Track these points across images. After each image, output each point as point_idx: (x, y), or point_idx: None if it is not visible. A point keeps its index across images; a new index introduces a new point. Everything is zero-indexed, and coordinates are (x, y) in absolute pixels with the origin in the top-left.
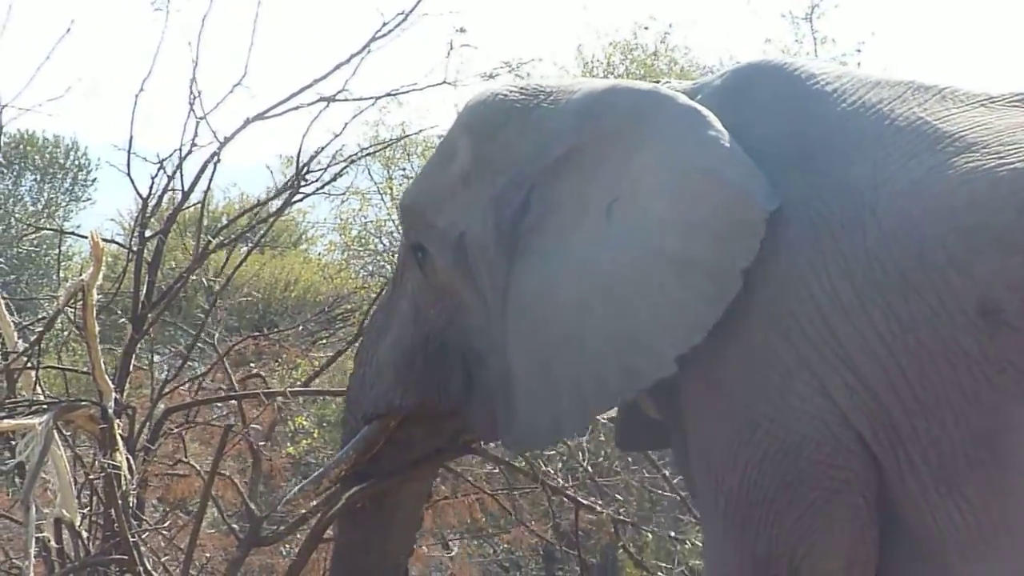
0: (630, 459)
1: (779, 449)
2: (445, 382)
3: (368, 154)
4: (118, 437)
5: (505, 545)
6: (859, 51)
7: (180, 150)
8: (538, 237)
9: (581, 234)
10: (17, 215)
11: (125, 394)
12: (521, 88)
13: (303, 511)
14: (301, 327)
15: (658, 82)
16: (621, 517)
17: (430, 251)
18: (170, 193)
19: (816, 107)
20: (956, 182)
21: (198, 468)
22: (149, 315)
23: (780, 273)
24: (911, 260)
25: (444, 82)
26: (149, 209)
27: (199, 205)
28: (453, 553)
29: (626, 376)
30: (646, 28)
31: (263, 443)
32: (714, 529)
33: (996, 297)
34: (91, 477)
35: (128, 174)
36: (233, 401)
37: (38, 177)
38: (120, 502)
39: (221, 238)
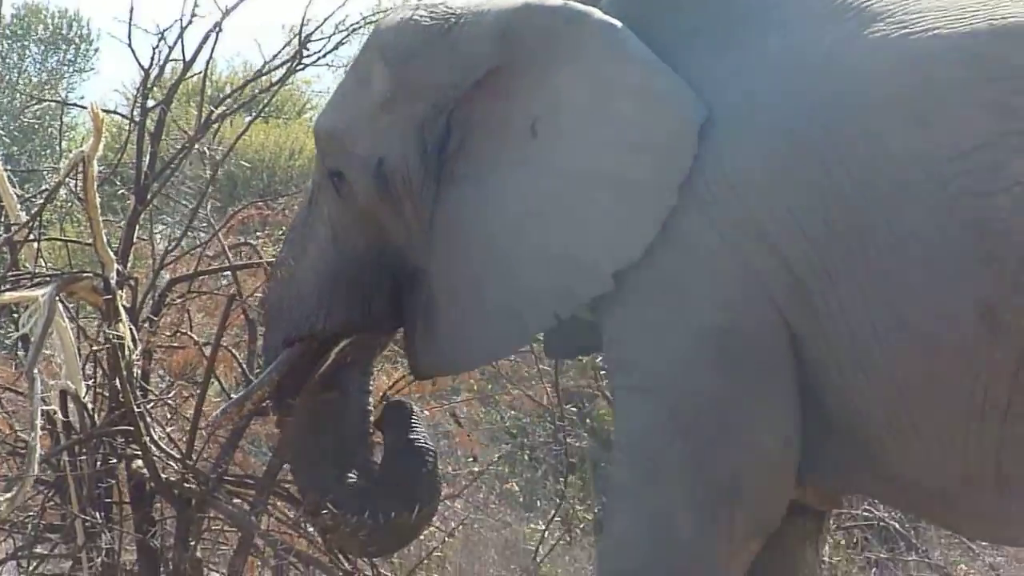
0: None
1: (712, 325)
2: (368, 305)
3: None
4: (121, 308)
5: (511, 412)
6: None
7: (181, 20)
8: (463, 162)
9: (508, 156)
10: (21, 86)
11: (129, 265)
12: (432, 10)
13: None
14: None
15: None
16: None
17: (348, 177)
18: (173, 63)
19: None
20: (864, 54)
21: (196, 340)
22: (152, 186)
23: (701, 161)
24: (822, 135)
25: None
26: (151, 80)
27: (201, 75)
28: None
29: (564, 295)
30: None
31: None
32: (629, 402)
33: (902, 169)
34: (95, 349)
35: (129, 45)
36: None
37: (42, 48)
38: (125, 373)
39: (224, 108)
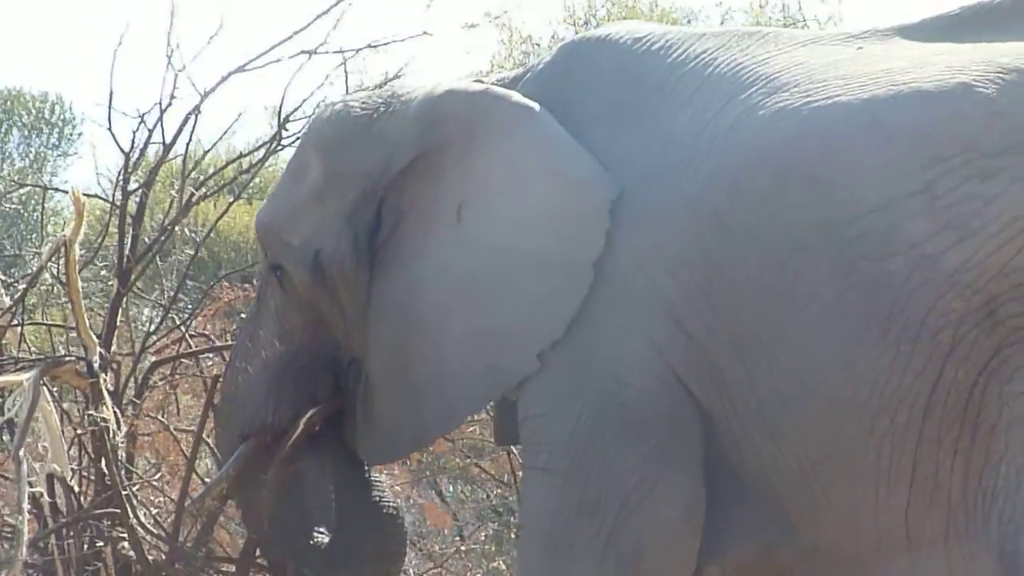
0: None
1: (616, 400)
2: (314, 399)
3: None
4: (105, 391)
5: (497, 490)
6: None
7: (160, 104)
8: (393, 247)
9: (434, 238)
10: (5, 172)
11: (112, 348)
12: (362, 100)
13: None
14: None
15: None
16: None
17: (288, 269)
18: (154, 146)
19: (641, 69)
20: (767, 123)
21: (171, 428)
22: (135, 268)
23: (608, 235)
24: (724, 202)
25: (424, 33)
26: (132, 163)
27: (182, 157)
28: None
29: (492, 375)
30: None
31: None
32: (536, 483)
33: (803, 236)
34: (80, 432)
35: (110, 129)
36: (217, 353)
37: (25, 133)
38: (110, 456)
39: (205, 190)
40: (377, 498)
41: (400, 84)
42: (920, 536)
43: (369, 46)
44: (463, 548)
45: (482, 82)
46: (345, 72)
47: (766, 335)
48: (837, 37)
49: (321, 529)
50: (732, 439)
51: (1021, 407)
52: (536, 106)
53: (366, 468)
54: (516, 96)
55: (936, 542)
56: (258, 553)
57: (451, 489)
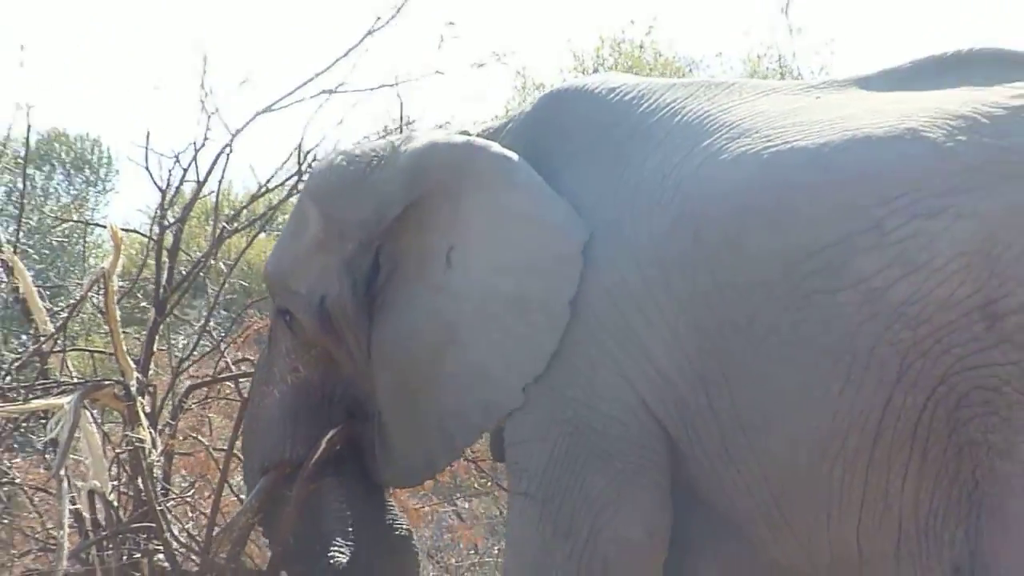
0: None
1: (588, 427)
2: (327, 430)
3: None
4: (142, 413)
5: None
6: (831, 43)
7: (194, 144)
8: (390, 292)
9: (426, 283)
10: (48, 208)
11: (150, 373)
12: (356, 155)
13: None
14: None
15: (635, 71)
16: None
17: (295, 314)
18: (189, 183)
19: (614, 117)
20: (729, 167)
21: (207, 445)
22: (171, 298)
23: (582, 275)
24: (689, 242)
25: (437, 72)
26: (167, 199)
27: (215, 193)
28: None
29: (483, 409)
30: (633, 22)
31: None
32: (518, 508)
33: (762, 272)
34: (118, 452)
35: (146, 168)
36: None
37: (66, 171)
38: (146, 474)
39: (236, 224)
40: (391, 521)
41: (390, 136)
42: (872, 553)
43: (383, 86)
44: (477, 561)
45: (467, 132)
46: (365, 111)
47: (728, 367)
48: (797, 87)
49: (340, 548)
50: (697, 465)
51: (969, 432)
52: (514, 156)
53: (382, 493)
54: (495, 147)
55: (887, 558)
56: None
57: (466, 506)
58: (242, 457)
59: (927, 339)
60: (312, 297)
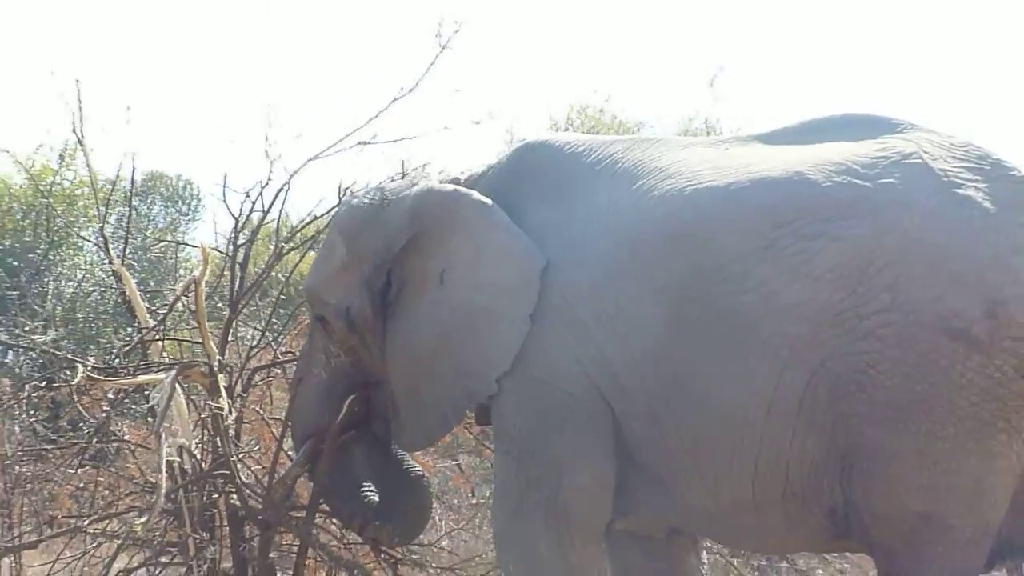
0: None
1: (550, 401)
2: (353, 406)
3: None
4: (221, 387)
5: None
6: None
7: (260, 183)
8: (399, 304)
9: (425, 297)
10: (149, 232)
11: (226, 356)
12: (372, 197)
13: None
14: None
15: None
16: None
17: (328, 319)
18: (257, 213)
19: (570, 165)
20: (658, 201)
21: (262, 415)
22: (241, 300)
23: (544, 286)
24: (627, 258)
25: (445, 128)
26: (239, 226)
27: (275, 221)
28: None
29: (468, 395)
30: (595, 91)
31: None
32: (501, 463)
33: (684, 279)
34: (202, 416)
35: (224, 201)
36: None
37: (164, 204)
38: (223, 433)
39: (291, 244)
40: (409, 468)
41: (399, 182)
42: (764, 498)
43: (404, 138)
44: (475, 503)
45: (457, 180)
46: (390, 156)
47: (656, 354)
48: (710, 141)
49: (370, 488)
50: (632, 433)
51: (843, 405)
52: (489, 201)
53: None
54: (475, 194)
55: (776, 502)
56: (321, 502)
57: (465, 458)
58: (291, 427)
59: (810, 332)
60: (340, 307)
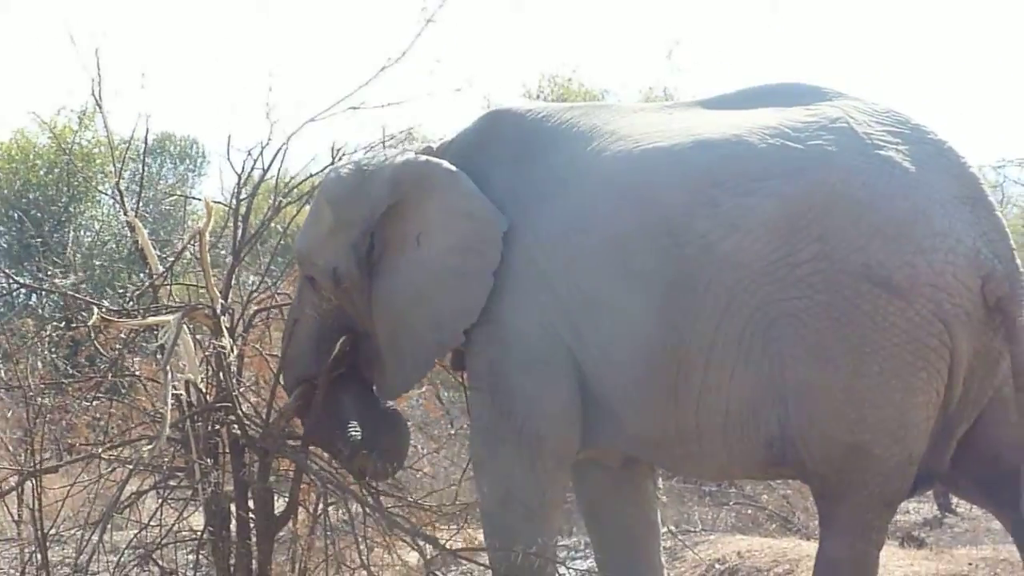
0: None
1: (517, 343)
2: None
3: (381, 143)
4: (224, 328)
5: None
6: (709, 81)
7: (261, 143)
8: (382, 264)
9: (405, 258)
10: (160, 186)
11: (229, 300)
12: (355, 167)
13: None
14: None
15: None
16: None
17: (317, 279)
18: (257, 171)
19: (531, 130)
20: (609, 161)
21: (261, 352)
22: (243, 249)
23: (509, 243)
24: (583, 213)
25: (428, 95)
26: (242, 181)
27: (274, 178)
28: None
29: (439, 345)
30: (564, 62)
31: None
32: (475, 399)
33: (632, 233)
34: (207, 354)
35: (228, 159)
36: None
37: (174, 161)
38: (226, 370)
39: (290, 198)
40: (389, 410)
41: (380, 153)
42: (706, 428)
43: (391, 104)
44: (453, 432)
45: (431, 149)
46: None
47: (607, 297)
48: (657, 107)
49: (354, 427)
50: (587, 371)
51: (777, 346)
52: (455, 169)
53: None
54: (446, 163)
55: (717, 431)
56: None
57: (445, 394)
58: (284, 372)
59: (746, 280)
60: (328, 268)
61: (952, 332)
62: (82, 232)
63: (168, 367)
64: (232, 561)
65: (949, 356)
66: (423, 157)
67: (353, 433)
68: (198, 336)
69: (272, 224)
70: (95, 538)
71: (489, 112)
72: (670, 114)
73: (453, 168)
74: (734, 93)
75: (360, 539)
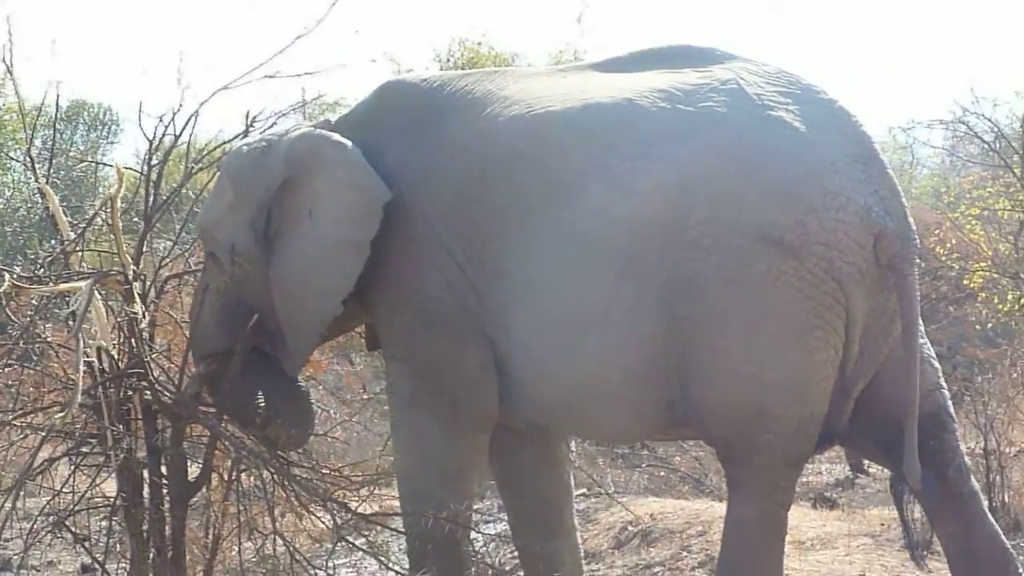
0: None
1: (423, 307)
2: (244, 328)
3: (292, 110)
4: (136, 294)
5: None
6: (617, 43)
7: (172, 110)
8: (278, 239)
9: (297, 232)
10: (72, 153)
11: (140, 266)
12: (255, 143)
13: None
14: None
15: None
16: None
17: (218, 255)
18: (169, 137)
19: (425, 100)
20: (504, 125)
21: (176, 319)
22: (155, 215)
23: (399, 206)
24: (478, 179)
25: (343, 65)
26: (154, 147)
27: (186, 144)
28: None
29: (322, 316)
30: (473, 26)
31: None
32: (391, 367)
33: (526, 198)
34: (119, 320)
35: (140, 126)
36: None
37: (86, 128)
38: (138, 336)
39: (201, 165)
40: (292, 382)
41: (276, 129)
42: (606, 391)
43: (306, 73)
44: (366, 397)
45: (329, 122)
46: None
47: (506, 262)
48: (551, 71)
49: (260, 398)
50: (489, 332)
51: (676, 308)
52: (346, 142)
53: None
54: (336, 136)
55: (617, 394)
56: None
57: (358, 360)
58: (191, 349)
59: (639, 243)
60: (227, 243)
61: (846, 290)
62: None
63: (80, 334)
64: (145, 527)
65: (845, 314)
66: (317, 131)
67: (261, 404)
68: (110, 302)
69: (184, 190)
70: (7, 505)
71: (384, 83)
72: (564, 78)
73: (343, 141)
74: (627, 56)
75: (272, 505)
